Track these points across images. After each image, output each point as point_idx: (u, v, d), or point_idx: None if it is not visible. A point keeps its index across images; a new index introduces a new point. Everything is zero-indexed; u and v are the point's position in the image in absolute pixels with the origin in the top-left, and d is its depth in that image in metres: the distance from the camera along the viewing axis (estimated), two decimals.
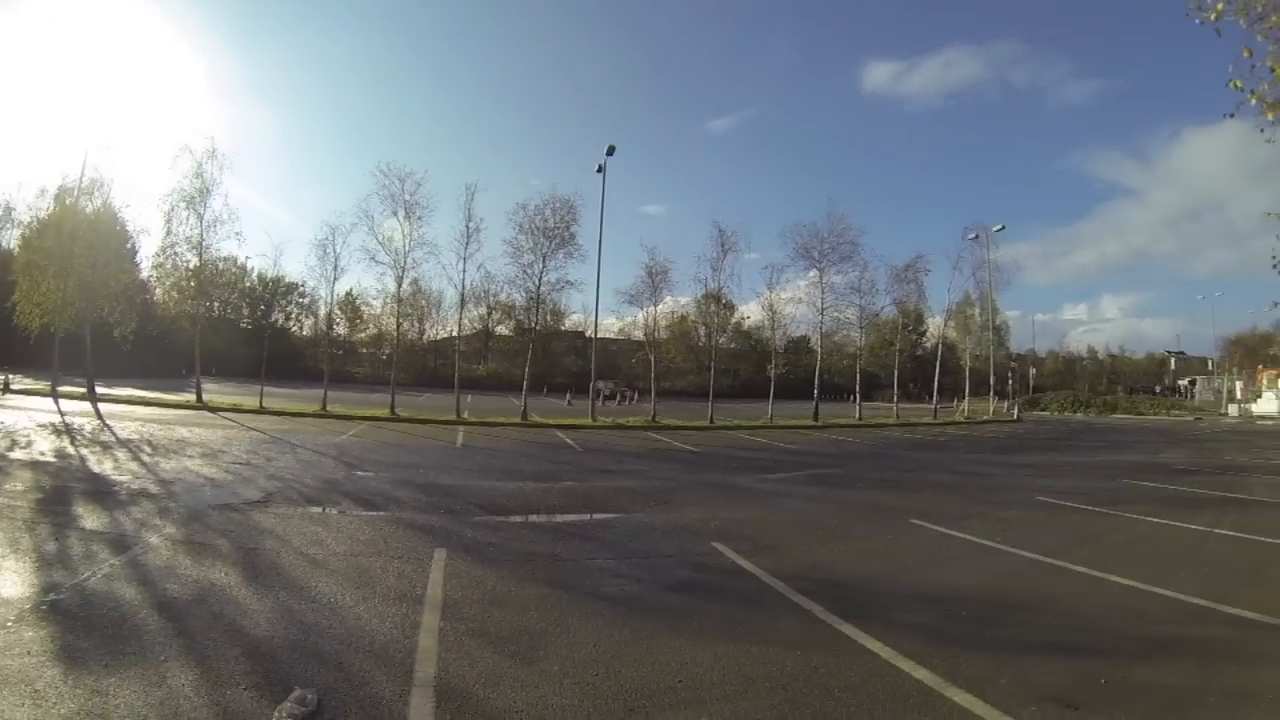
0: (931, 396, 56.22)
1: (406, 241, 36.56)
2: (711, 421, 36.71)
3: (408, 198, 36.26)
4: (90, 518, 10.56)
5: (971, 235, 53.86)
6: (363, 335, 74.88)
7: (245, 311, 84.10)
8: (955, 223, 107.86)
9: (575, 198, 37.58)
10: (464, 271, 37.60)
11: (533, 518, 12.12)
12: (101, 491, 12.43)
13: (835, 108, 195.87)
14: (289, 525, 10.68)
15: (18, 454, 16.33)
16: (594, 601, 7.41)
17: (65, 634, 6.16)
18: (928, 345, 77.59)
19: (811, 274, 45.87)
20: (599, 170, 37.86)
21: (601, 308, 65.27)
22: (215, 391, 38.16)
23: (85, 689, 5.13)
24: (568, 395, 53.75)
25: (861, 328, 48.09)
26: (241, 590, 7.60)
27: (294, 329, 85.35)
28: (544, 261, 37.10)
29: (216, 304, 39.53)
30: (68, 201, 37.76)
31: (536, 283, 37.47)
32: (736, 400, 58.11)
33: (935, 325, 64.26)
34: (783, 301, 45.21)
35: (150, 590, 7.46)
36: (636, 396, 57.93)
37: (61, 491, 12.28)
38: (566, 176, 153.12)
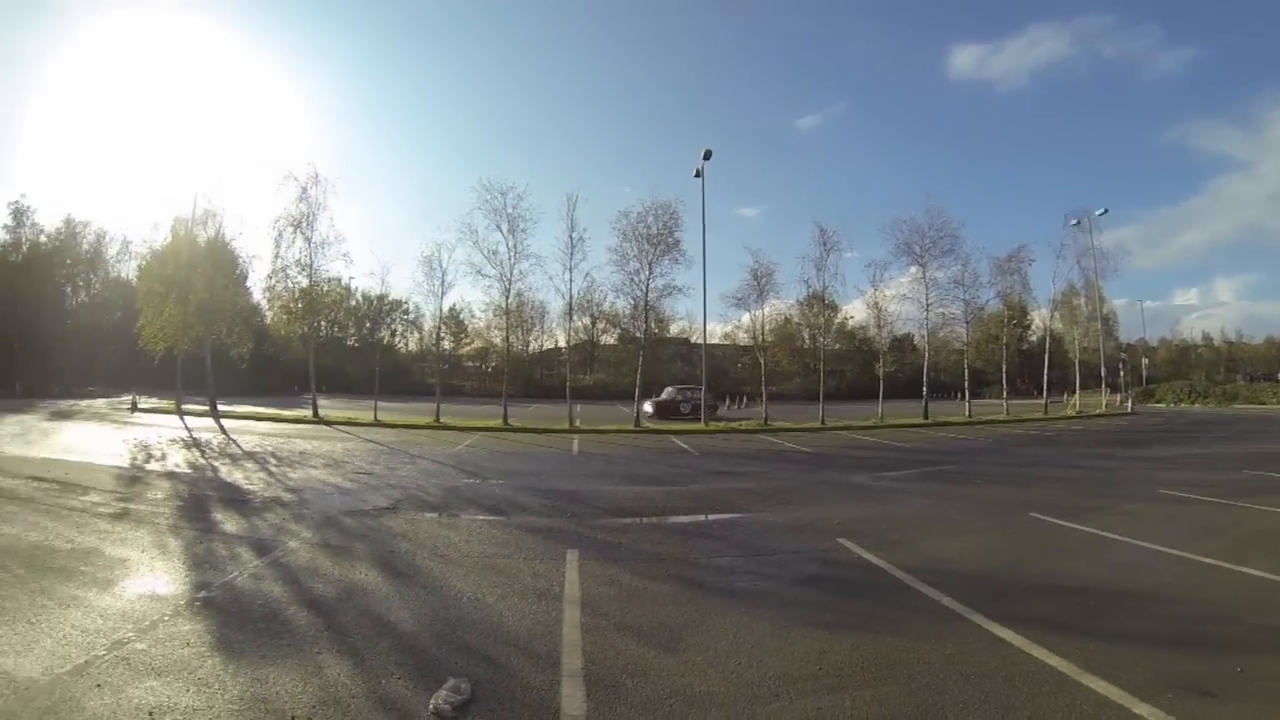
0: (1040, 392, 54.17)
1: (511, 254, 37.23)
2: (823, 423, 36.24)
3: (510, 211, 36.98)
4: (229, 523, 11.28)
5: (1073, 221, 51.55)
6: (468, 349, 76.92)
7: (352, 329, 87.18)
8: (1056, 209, 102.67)
9: (676, 203, 37.56)
10: (570, 281, 37.99)
11: (658, 519, 12.28)
12: (236, 499, 13.19)
13: (923, 97, 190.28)
14: (420, 529, 11.13)
15: (154, 466, 17.55)
16: (728, 596, 7.63)
17: (220, 627, 6.62)
18: (1033, 339, 74.47)
19: (914, 270, 44.71)
20: (697, 175, 37.77)
21: (707, 312, 65.04)
22: (328, 407, 39.70)
23: (245, 677, 5.51)
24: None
25: (967, 322, 46.61)
26: (384, 589, 7.99)
27: (400, 345, 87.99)
28: (650, 268, 37.27)
29: (323, 323, 41.11)
30: (183, 232, 39.92)
31: (644, 290, 37.58)
32: (844, 402, 57.07)
33: (1040, 317, 61.96)
34: (887, 299, 44.24)
35: (296, 589, 7.93)
36: (746, 401, 57.64)
37: (199, 500, 13.10)
38: (663, 183, 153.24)
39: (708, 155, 37.28)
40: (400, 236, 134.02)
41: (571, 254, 37.52)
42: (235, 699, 5.13)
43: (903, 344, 57.04)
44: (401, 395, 44.24)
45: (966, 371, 47.16)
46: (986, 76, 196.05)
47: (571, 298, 38.93)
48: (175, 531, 10.50)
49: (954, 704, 5.13)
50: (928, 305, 44.40)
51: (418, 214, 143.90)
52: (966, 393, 46.69)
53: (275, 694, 5.24)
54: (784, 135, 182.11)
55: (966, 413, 44.28)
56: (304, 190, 37.66)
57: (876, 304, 44.08)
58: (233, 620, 6.82)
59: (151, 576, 8.23)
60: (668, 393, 44.48)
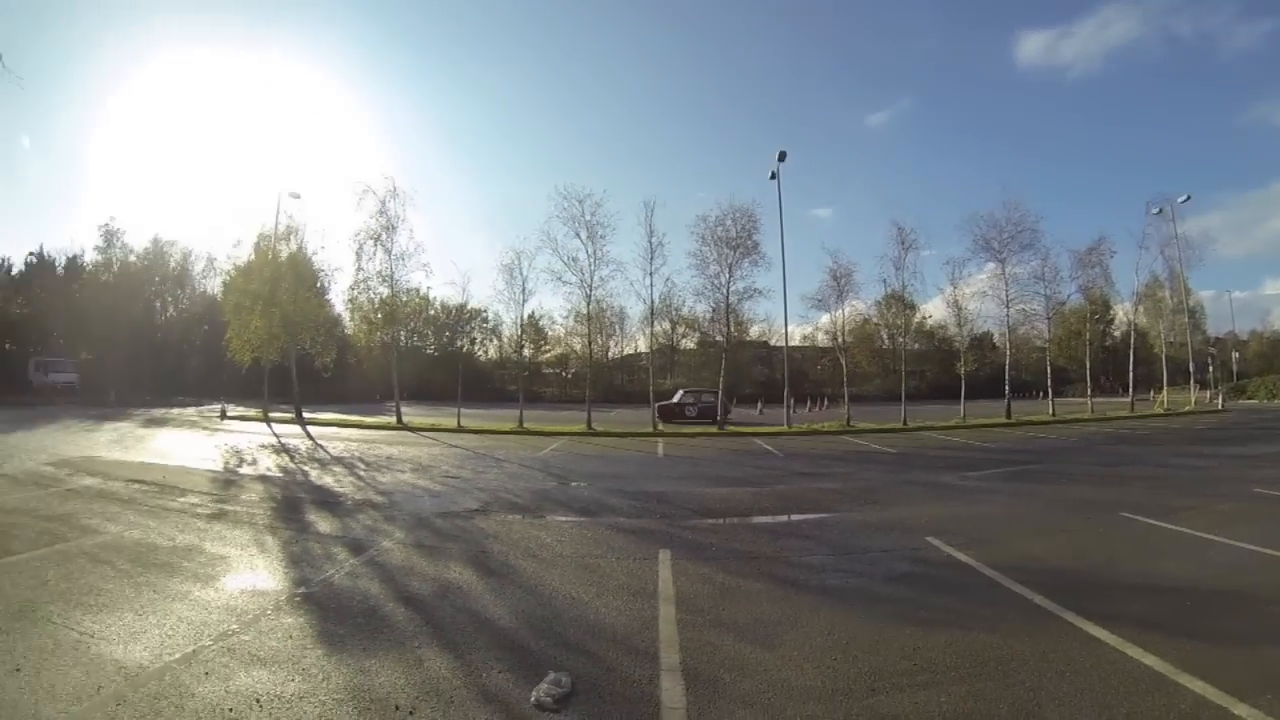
0: (1125, 389, 52.03)
1: (591, 260, 37.37)
2: (905, 424, 35.59)
3: (588, 218, 37.00)
4: (323, 524, 11.56)
5: (1155, 210, 49.17)
6: (548, 355, 77.68)
7: (431, 338, 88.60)
8: (1136, 198, 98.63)
9: (754, 206, 37.53)
10: (651, 286, 37.93)
11: (747, 519, 12.24)
12: (329, 501, 13.50)
13: (991, 87, 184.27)
14: (512, 530, 11.24)
15: (246, 470, 18.10)
16: (820, 594, 7.66)
17: (321, 622, 6.79)
18: (1116, 334, 71.76)
19: (992, 266, 43.31)
20: (772, 177, 37.63)
21: (788, 314, 64.67)
22: (410, 414, 40.38)
23: (349, 669, 5.64)
24: (759, 404, 53.58)
25: (1048, 318, 45.17)
26: (479, 587, 8.11)
27: (480, 353, 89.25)
28: (729, 271, 37.26)
29: (403, 333, 42.06)
30: (266, 247, 41.34)
31: (724, 293, 37.56)
32: (925, 402, 55.97)
33: (1124, 311, 59.13)
34: (966, 297, 43.16)
35: (393, 586, 8.08)
36: (826, 403, 57.16)
37: (293, 502, 13.47)
38: (736, 187, 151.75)
39: (782, 157, 37.14)
40: (475, 249, 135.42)
41: (651, 259, 37.63)
42: (339, 688, 5.25)
43: (982, 342, 55.52)
44: (481, 402, 44.86)
45: (1049, 369, 45.62)
46: (1056, 63, 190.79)
47: (652, 302, 39.08)
48: (272, 531, 10.83)
49: (1050, 700, 5.06)
50: (1008, 302, 43.08)
51: (488, 226, 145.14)
52: (1049, 391, 45.29)
53: (378, 685, 5.34)
54: (853, 134, 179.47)
55: (1050, 411, 43.02)
56: (383, 204, 38.34)
57: (956, 302, 43.03)
58: (332, 615, 6.99)
59: (251, 573, 8.48)
60: (678, 396, 43.94)
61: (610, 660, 5.82)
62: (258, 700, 5.03)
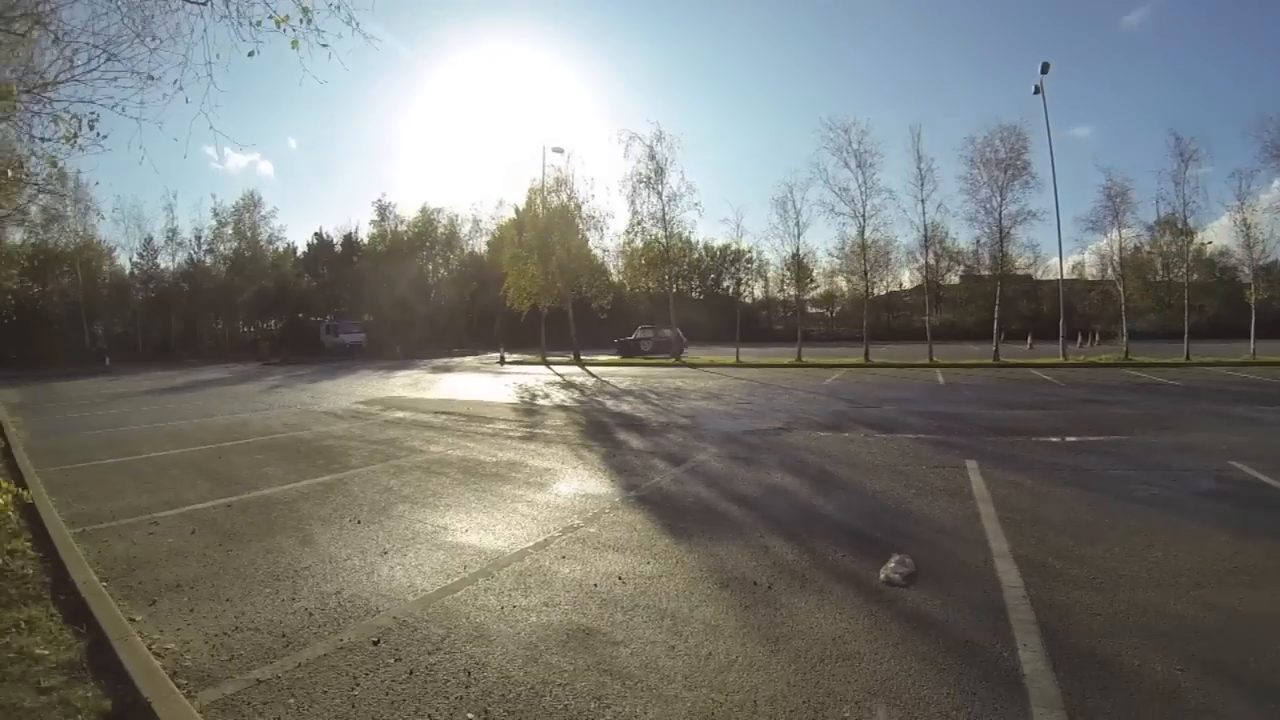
0: None
1: (862, 190, 36.64)
2: (1187, 358, 31.88)
3: (855, 146, 36.18)
4: (634, 441, 12.26)
5: None
6: (815, 292, 76.93)
7: (697, 281, 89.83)
8: None
9: (1021, 124, 34.90)
10: (923, 213, 36.76)
11: (1042, 438, 11.84)
12: (632, 424, 14.30)
13: None
14: (820, 444, 11.48)
15: (542, 401, 19.46)
16: (1129, 502, 7.58)
17: (661, 517, 7.27)
18: None
19: None
20: (1036, 91, 34.64)
21: (1060, 236, 60.20)
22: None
23: (699, 553, 6.05)
24: (1028, 338, 50.53)
25: None
26: (803, 489, 8.43)
27: (745, 295, 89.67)
28: (1001, 194, 35.00)
29: (667, 277, 43.15)
30: (538, 200, 43.40)
31: (996, 216, 35.45)
32: (1206, 340, 49.48)
33: None
34: (1257, 214, 37.13)
35: (720, 489, 8.52)
36: (1098, 338, 52.80)
37: (598, 425, 14.34)
38: (987, 112, 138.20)
39: (1045, 68, 34.08)
40: (745, 188, 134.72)
41: (921, 184, 36.33)
42: (695, 569, 5.64)
43: (1269, 271, 47.24)
44: (748, 343, 45.13)
45: None
46: None
47: (925, 229, 37.67)
48: (586, 448, 11.60)
49: None
50: None
51: (758, 164, 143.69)
52: None
53: (732, 565, 5.69)
54: (1110, 37, 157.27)
55: None
56: (650, 148, 39.23)
57: (1245, 221, 37.44)
58: (670, 512, 7.46)
59: (578, 481, 9.15)
60: (636, 333, 45.45)
61: (944, 547, 6.04)
62: (620, 578, 5.48)
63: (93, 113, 7.92)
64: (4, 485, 6.41)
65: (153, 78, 7.89)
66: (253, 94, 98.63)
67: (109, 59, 7.97)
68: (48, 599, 5.20)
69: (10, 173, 12.63)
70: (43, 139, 8.58)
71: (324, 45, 7.24)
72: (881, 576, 5.30)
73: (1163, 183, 34.74)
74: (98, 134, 8.03)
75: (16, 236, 39.65)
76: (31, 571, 5.77)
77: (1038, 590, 4.99)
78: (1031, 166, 34.47)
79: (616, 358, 42.27)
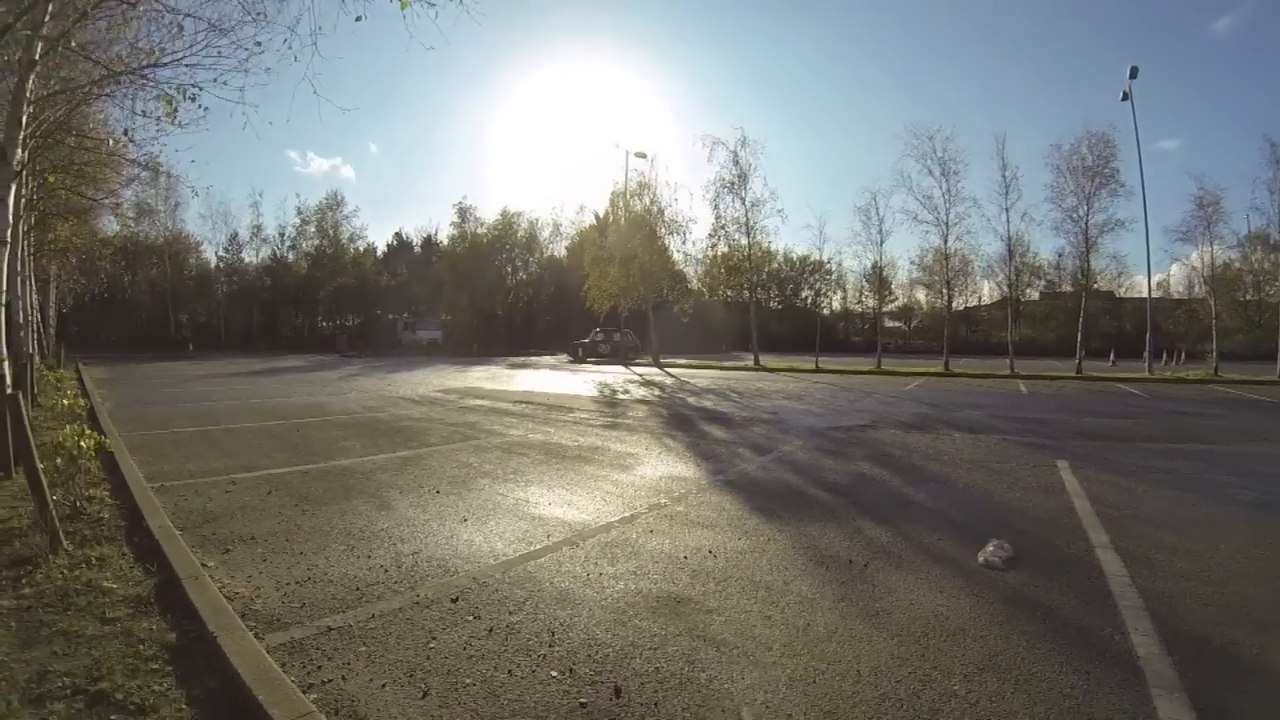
0: None
1: (946, 198, 36.06)
2: None
3: (939, 154, 35.71)
4: (718, 432, 12.20)
5: None
6: (892, 305, 76.02)
7: (775, 291, 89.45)
8: None
9: (1110, 130, 33.73)
10: (1007, 222, 35.82)
11: (1132, 444, 11.48)
12: (715, 418, 14.24)
13: None
14: (906, 440, 11.36)
15: (622, 396, 19.55)
16: (1231, 505, 7.31)
17: (749, 499, 7.20)
18: None
19: None
20: (1124, 98, 33.53)
21: (1148, 245, 58.40)
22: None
23: (790, 532, 5.97)
24: (1111, 355, 49.06)
25: None
26: (893, 479, 8.32)
27: (823, 306, 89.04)
28: (1088, 203, 33.89)
29: (746, 286, 43.03)
30: (620, 203, 43.58)
31: (1083, 225, 34.28)
32: None
33: None
34: None
35: (808, 477, 8.44)
36: (1183, 357, 50.87)
37: (680, 417, 14.34)
38: (1073, 120, 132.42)
39: (1134, 73, 33.01)
40: (826, 200, 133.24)
41: (1006, 193, 35.44)
42: (786, 546, 5.56)
43: None
44: (824, 353, 44.65)
45: None
46: None
47: (1009, 238, 36.69)
48: (669, 437, 11.57)
49: None
50: None
51: (833, 176, 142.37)
52: None
53: (824, 545, 5.61)
54: (1200, 43, 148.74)
55: None
56: (734, 154, 39.31)
57: None
58: (758, 495, 7.38)
59: (663, 465, 9.09)
60: (591, 336, 46.29)
61: (1041, 536, 5.91)
62: (710, 552, 5.40)
63: (196, 85, 8.08)
64: (88, 431, 6.45)
65: (259, 43, 8.08)
66: (340, 98, 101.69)
67: (218, 33, 8.15)
68: (121, 540, 5.34)
69: (112, 143, 12.99)
70: (144, 114, 8.76)
71: (431, 4, 7.29)
72: (980, 560, 5.22)
73: (1257, 191, 33.18)
74: (200, 106, 8.19)
75: (112, 227, 41.08)
76: (107, 516, 5.95)
77: (1144, 580, 4.85)
78: (1120, 174, 33.25)
79: (695, 360, 42.02)
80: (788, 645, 3.74)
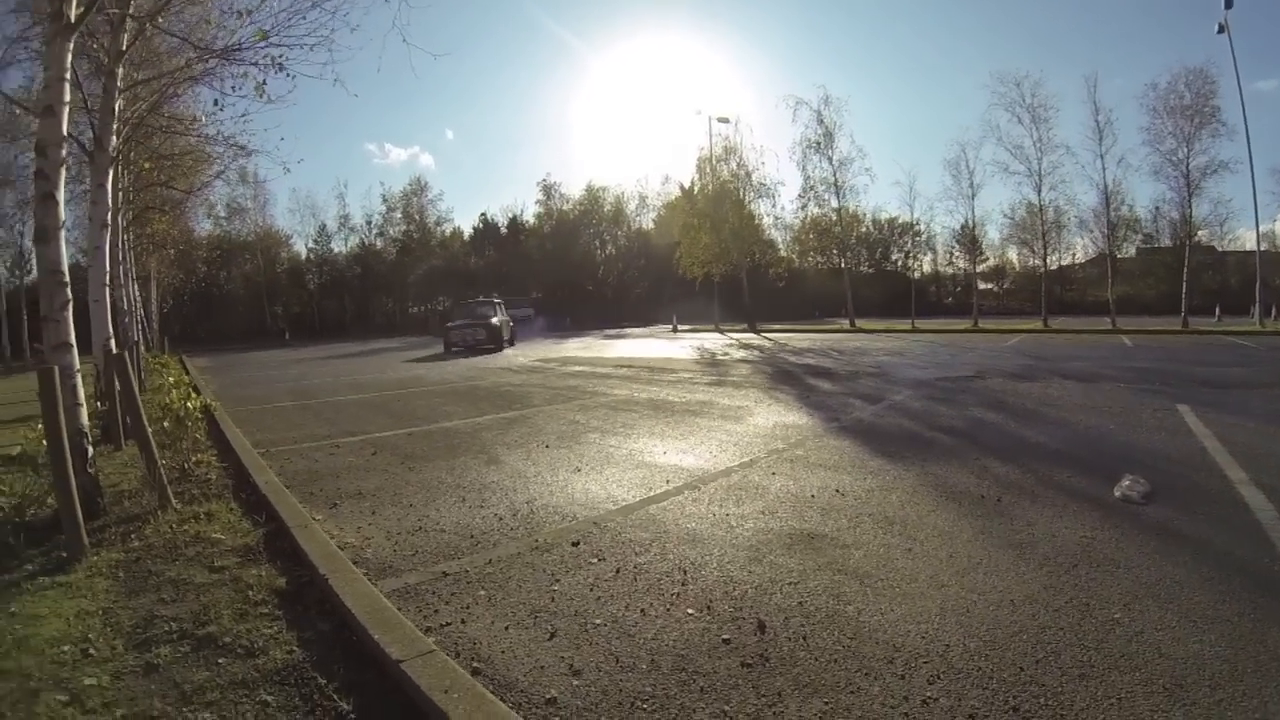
0: None
1: (1037, 146, 34.63)
2: None
3: (1028, 100, 34.31)
4: (825, 386, 12.05)
5: None
6: (984, 265, 74.06)
7: (864, 255, 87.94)
8: None
9: (1209, 66, 31.48)
10: (1103, 169, 34.27)
11: (1254, 389, 10.83)
12: (820, 373, 14.09)
13: None
14: (1017, 388, 11.12)
15: (722, 357, 19.46)
16: None
17: (866, 444, 7.06)
18: None
19: None
20: (1220, 30, 31.24)
21: (1255, 189, 55.58)
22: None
23: (915, 472, 5.83)
24: (1217, 310, 46.81)
25: None
26: (1010, 422, 8.11)
27: (912, 270, 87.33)
28: (1188, 144, 31.73)
29: (836, 250, 42.38)
30: (708, 169, 42.96)
31: (1184, 169, 32.18)
32: None
33: None
34: None
35: (924, 421, 8.29)
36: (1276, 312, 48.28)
37: (784, 373, 14.18)
38: (1174, 54, 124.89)
39: (1229, 3, 30.75)
40: (914, 155, 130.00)
41: (1100, 139, 33.59)
42: (915, 484, 5.44)
43: None
44: (917, 316, 43.73)
45: None
46: None
47: (1105, 187, 34.94)
48: (777, 390, 11.44)
49: None
50: None
51: (920, 131, 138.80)
52: None
53: (953, 482, 5.47)
54: None
55: None
56: (818, 113, 38.70)
57: None
58: (875, 440, 7.23)
59: (776, 416, 8.96)
60: (460, 311, 32.33)
61: (1176, 473, 5.62)
62: (838, 490, 5.30)
63: (282, 55, 8.00)
64: (194, 394, 6.47)
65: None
66: (413, 94, 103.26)
67: (313, 5, 8.05)
68: (229, 497, 5.50)
69: (203, 118, 13.16)
70: (234, 90, 8.73)
71: None
72: (1117, 494, 5.02)
73: None
74: (288, 74, 8.09)
75: (205, 226, 42.33)
76: (214, 477, 6.17)
77: None
78: (1221, 113, 30.85)
79: (789, 325, 41.41)
80: (933, 577, 3.63)
